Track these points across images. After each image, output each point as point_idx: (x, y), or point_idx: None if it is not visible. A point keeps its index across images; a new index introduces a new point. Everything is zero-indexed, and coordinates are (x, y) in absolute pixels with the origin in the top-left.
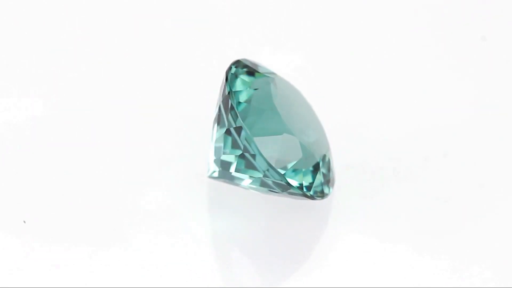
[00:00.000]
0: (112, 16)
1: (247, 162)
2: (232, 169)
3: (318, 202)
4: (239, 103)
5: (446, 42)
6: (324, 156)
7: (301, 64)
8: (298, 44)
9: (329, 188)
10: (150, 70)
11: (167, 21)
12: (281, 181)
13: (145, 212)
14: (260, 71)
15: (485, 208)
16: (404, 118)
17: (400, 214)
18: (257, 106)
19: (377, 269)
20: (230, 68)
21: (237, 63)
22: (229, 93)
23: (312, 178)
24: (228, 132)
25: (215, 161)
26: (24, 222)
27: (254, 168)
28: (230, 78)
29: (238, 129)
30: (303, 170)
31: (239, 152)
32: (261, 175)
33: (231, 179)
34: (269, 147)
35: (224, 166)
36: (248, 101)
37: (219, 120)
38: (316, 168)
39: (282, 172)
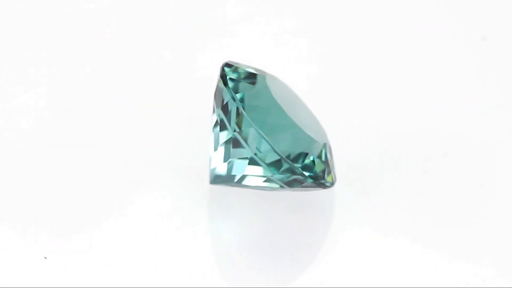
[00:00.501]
0: (111, 16)
1: (260, 162)
2: (243, 171)
3: (318, 202)
4: (242, 104)
5: (446, 42)
6: (325, 144)
7: (301, 64)
8: (298, 44)
9: (335, 175)
10: (150, 71)
11: (167, 21)
12: (297, 175)
13: (145, 212)
14: (251, 70)
15: (485, 208)
16: (404, 118)
17: (400, 214)
18: (261, 105)
19: (377, 269)
20: (223, 71)
21: (228, 66)
22: (230, 96)
23: (322, 167)
24: (235, 135)
25: (219, 167)
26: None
27: (268, 167)
28: (227, 81)
29: (247, 131)
30: (314, 160)
31: (250, 153)
32: (275, 173)
33: (240, 181)
34: (282, 143)
35: (233, 169)
36: (250, 100)
37: (221, 126)
38: (323, 157)
39: (297, 165)
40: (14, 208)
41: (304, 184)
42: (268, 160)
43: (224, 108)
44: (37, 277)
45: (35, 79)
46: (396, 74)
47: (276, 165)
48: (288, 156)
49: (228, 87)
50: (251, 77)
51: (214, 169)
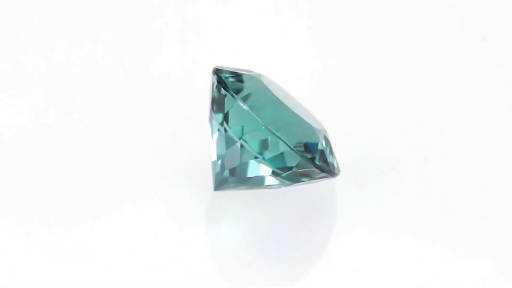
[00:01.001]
0: (110, 15)
1: (268, 160)
2: (250, 173)
3: (318, 202)
4: (245, 103)
5: (446, 42)
6: (326, 133)
7: (301, 64)
8: (298, 44)
9: (338, 163)
10: (151, 71)
11: (162, 22)
12: (311, 167)
13: (145, 212)
14: (242, 72)
15: (485, 208)
16: (404, 118)
17: (400, 214)
18: (263, 102)
19: (377, 269)
20: (218, 76)
21: (219, 71)
22: (231, 100)
23: (330, 156)
24: (241, 138)
25: (223, 172)
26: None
27: (280, 162)
28: (226, 85)
29: (254, 130)
30: (323, 149)
31: (256, 154)
32: (284, 169)
33: (246, 184)
34: (292, 137)
35: (238, 173)
36: (252, 100)
37: (223, 131)
38: (328, 145)
39: (309, 156)
40: (14, 208)
41: (315, 174)
42: (277, 156)
43: (225, 114)
44: (37, 277)
45: (34, 80)
46: (396, 74)
47: (286, 159)
48: (299, 148)
49: (228, 90)
50: (244, 78)
51: (218, 175)
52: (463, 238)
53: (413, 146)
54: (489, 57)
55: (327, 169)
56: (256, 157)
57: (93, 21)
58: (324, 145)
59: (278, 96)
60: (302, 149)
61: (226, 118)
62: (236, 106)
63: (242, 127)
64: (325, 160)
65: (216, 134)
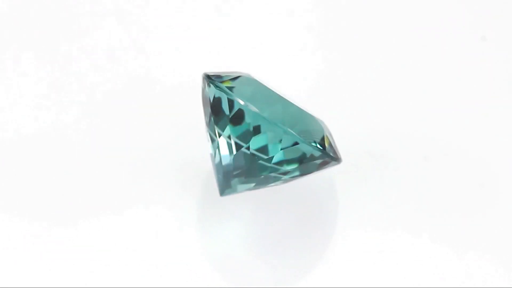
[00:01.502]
0: (109, 16)
1: (287, 152)
2: (256, 174)
3: (317, 202)
4: (248, 103)
5: (446, 42)
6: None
7: (300, 64)
8: (297, 44)
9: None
10: (152, 72)
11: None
12: (323, 157)
13: (145, 212)
14: (233, 74)
15: (486, 208)
16: (404, 117)
17: (400, 214)
18: (267, 100)
19: (377, 269)
20: (214, 82)
21: (209, 77)
22: (230, 102)
23: (333, 144)
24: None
25: (229, 176)
26: None
27: (289, 154)
28: (222, 89)
29: (259, 124)
30: (324, 136)
31: (264, 149)
32: (297, 160)
33: (258, 184)
34: (296, 127)
35: (252, 172)
36: (253, 100)
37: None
38: (329, 134)
39: (314, 144)
40: (14, 208)
41: (328, 165)
42: (284, 146)
43: (219, 113)
44: (37, 277)
45: (33, 80)
46: (396, 74)
47: (294, 150)
48: (305, 137)
49: (227, 93)
50: (235, 78)
51: (222, 181)
52: (463, 238)
53: (413, 146)
54: (489, 57)
55: (334, 156)
56: (261, 157)
57: (93, 21)
58: (325, 133)
59: (272, 90)
60: (309, 138)
61: (225, 120)
62: (237, 104)
63: (244, 125)
64: (330, 145)
65: (216, 139)
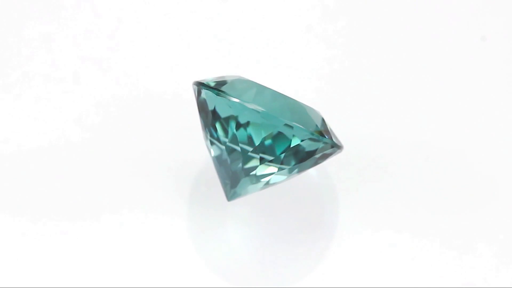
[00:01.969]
0: (109, 16)
1: (292, 150)
2: (262, 175)
3: (317, 203)
4: (249, 103)
5: (446, 42)
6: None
7: (300, 64)
8: (297, 44)
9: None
10: (153, 74)
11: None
12: (329, 146)
13: (145, 212)
14: (225, 78)
15: (486, 207)
16: (404, 117)
17: (401, 214)
18: (262, 96)
19: (378, 269)
20: (206, 88)
21: (201, 83)
22: (231, 105)
23: (331, 130)
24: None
25: (237, 176)
26: None
27: (297, 152)
28: (221, 94)
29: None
30: (326, 125)
31: (263, 145)
32: (303, 153)
33: (261, 183)
34: (297, 120)
35: (250, 178)
36: (255, 100)
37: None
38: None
39: (317, 134)
40: (14, 208)
41: (323, 150)
42: (284, 138)
43: (227, 118)
44: (37, 277)
45: (33, 82)
46: (396, 74)
47: (296, 142)
48: (307, 127)
49: (227, 96)
50: (227, 80)
51: (228, 186)
52: (463, 238)
53: (414, 147)
54: (489, 57)
55: (335, 143)
56: (262, 155)
57: (93, 22)
58: (326, 122)
59: (265, 86)
60: (309, 127)
61: (221, 123)
62: (232, 104)
63: (242, 124)
64: (329, 132)
65: (216, 143)
